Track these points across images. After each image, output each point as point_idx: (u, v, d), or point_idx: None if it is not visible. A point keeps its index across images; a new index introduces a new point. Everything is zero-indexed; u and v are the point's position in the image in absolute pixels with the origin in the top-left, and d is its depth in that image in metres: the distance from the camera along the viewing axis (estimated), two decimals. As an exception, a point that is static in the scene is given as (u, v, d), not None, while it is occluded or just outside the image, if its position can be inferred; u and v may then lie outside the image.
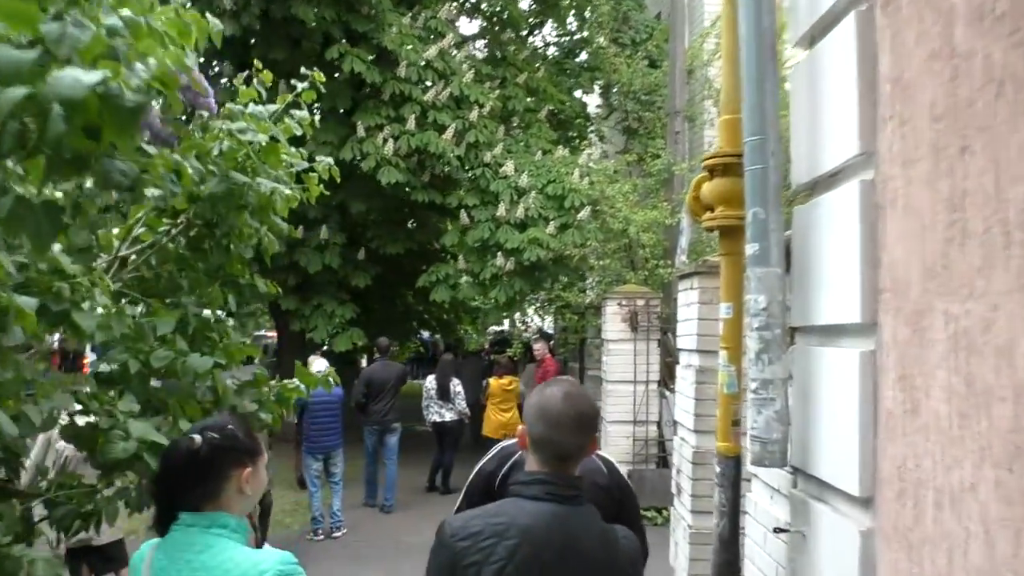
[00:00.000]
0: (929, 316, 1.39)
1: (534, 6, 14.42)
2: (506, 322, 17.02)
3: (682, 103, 9.93)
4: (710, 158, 2.58)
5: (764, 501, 2.53)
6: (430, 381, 8.75)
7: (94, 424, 2.27)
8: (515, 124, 11.32)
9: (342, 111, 10.26)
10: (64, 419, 2.31)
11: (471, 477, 2.41)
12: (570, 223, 9.76)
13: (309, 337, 10.61)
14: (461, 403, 8.59)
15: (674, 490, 4.44)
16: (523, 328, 13.49)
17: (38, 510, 2.30)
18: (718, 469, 2.49)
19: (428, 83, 10.08)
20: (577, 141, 12.99)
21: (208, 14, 2.10)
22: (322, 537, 7.08)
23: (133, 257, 2.89)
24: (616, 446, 7.57)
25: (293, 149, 3.25)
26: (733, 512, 2.36)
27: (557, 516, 1.70)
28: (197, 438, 1.74)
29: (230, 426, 1.82)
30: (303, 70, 3.15)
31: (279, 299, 10.60)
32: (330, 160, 3.12)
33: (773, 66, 2.16)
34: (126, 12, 1.58)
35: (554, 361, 9.68)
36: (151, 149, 2.10)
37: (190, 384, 2.58)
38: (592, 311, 10.05)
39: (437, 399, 8.61)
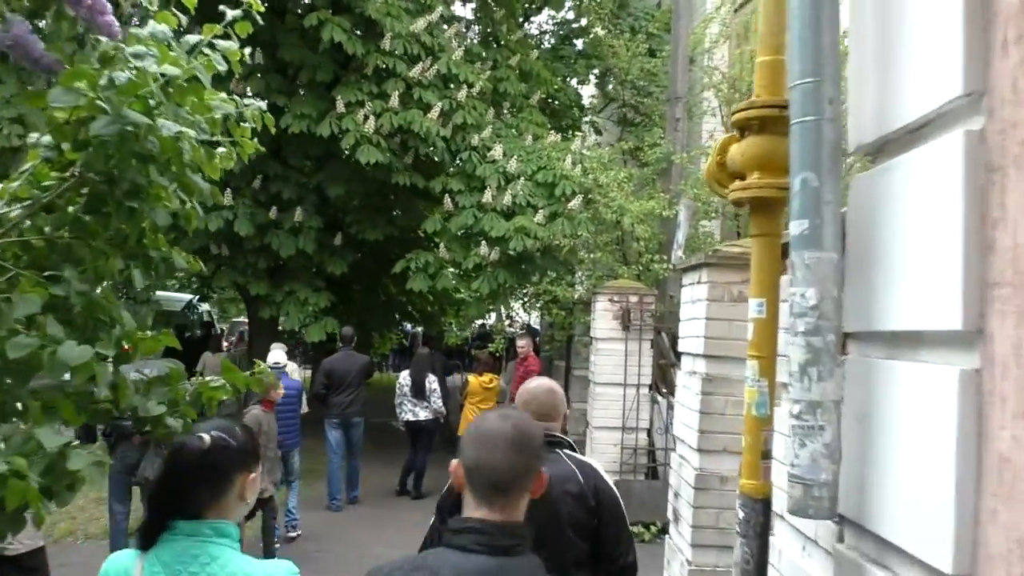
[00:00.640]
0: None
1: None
2: (492, 316, 16.52)
3: (684, 89, 9.41)
4: (742, 110, 2.04)
5: (793, 551, 2.02)
6: (404, 377, 8.19)
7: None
8: (506, 108, 10.78)
9: (322, 83, 9.69)
10: None
11: (445, 491, 2.15)
12: (560, 212, 9.24)
13: (281, 326, 10.09)
14: (437, 401, 8.04)
15: (670, 515, 3.90)
16: (507, 323, 12.98)
17: None
18: (741, 514, 1.97)
19: (414, 58, 9.51)
20: (571, 132, 12.48)
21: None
22: (278, 544, 6.52)
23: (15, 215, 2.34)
24: (603, 454, 7.06)
25: (225, 96, 2.68)
26: (760, 569, 1.83)
27: (488, 572, 1.46)
28: (206, 437, 1.66)
29: (237, 428, 1.76)
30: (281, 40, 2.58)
31: (247, 284, 10.06)
32: (262, 104, 2.55)
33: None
34: None
35: (537, 359, 9.17)
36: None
37: (61, 380, 2.03)
38: (581, 307, 9.54)
39: (411, 396, 8.04)
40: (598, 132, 12.69)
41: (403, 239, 11.05)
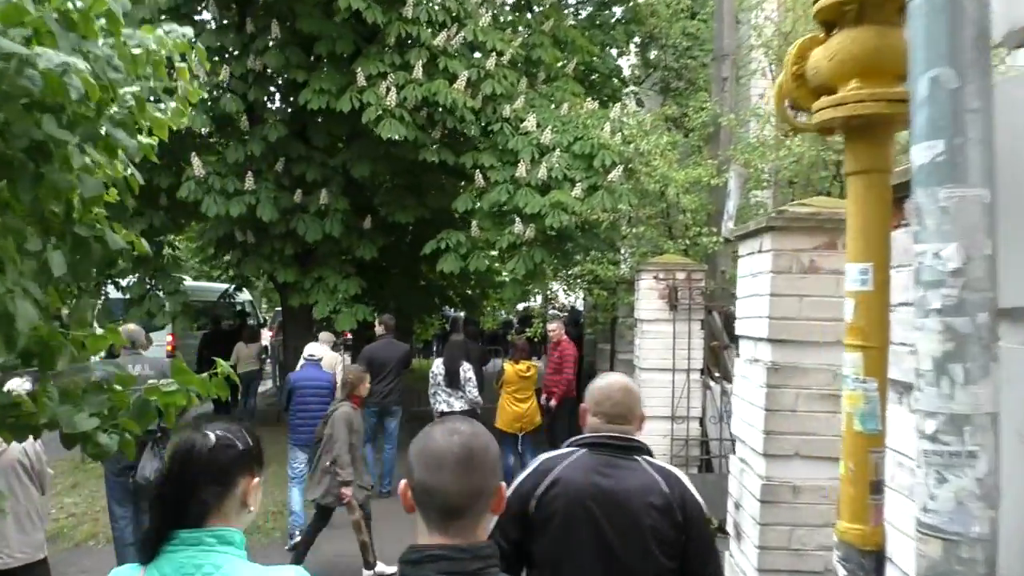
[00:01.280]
0: None
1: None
2: (538, 298, 15.90)
3: (731, 46, 8.63)
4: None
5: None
6: (437, 366, 7.64)
7: None
8: (540, 78, 10.12)
9: (343, 56, 9.16)
10: None
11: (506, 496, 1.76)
12: (599, 184, 8.57)
13: (315, 315, 9.69)
14: (473, 391, 7.47)
15: (730, 529, 3.27)
16: (549, 305, 12.38)
17: None
18: (842, 572, 1.36)
19: (439, 25, 8.90)
20: (610, 104, 11.79)
21: None
22: (298, 537, 6.06)
23: None
24: (652, 446, 6.38)
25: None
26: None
27: None
28: (211, 436, 1.61)
29: (244, 430, 1.70)
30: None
31: (275, 271, 9.62)
32: (187, 30, 2.00)
33: None
34: None
35: (572, 344, 8.54)
36: None
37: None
38: (624, 286, 8.88)
39: (445, 386, 7.49)
40: (639, 104, 11.97)
41: (436, 220, 10.53)
